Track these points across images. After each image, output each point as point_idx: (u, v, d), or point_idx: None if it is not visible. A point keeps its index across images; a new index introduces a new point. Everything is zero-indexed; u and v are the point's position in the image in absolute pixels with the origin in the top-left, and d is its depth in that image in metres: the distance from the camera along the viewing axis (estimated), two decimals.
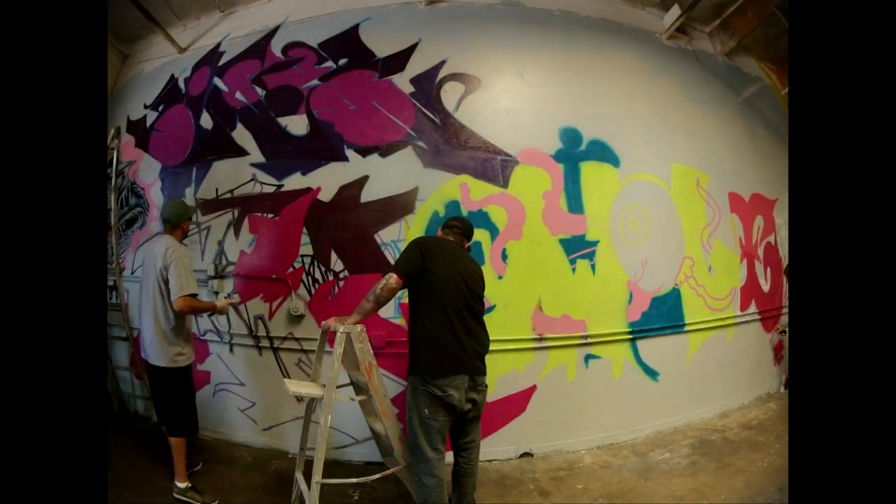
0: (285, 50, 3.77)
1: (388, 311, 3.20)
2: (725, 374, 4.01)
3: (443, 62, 3.54)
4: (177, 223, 2.77)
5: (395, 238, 3.28)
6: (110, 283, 3.89)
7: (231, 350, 3.47)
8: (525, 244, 3.35)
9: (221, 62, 3.96)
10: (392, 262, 3.24)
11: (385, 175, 3.36)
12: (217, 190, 3.64)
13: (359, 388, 2.50)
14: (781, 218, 4.74)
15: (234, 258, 3.50)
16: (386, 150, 3.39)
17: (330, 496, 2.73)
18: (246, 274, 3.45)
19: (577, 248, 3.44)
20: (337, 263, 3.31)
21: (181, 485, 2.66)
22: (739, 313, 4.19)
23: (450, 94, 3.49)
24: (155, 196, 3.92)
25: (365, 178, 3.36)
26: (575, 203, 3.49)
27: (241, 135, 3.67)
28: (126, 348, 3.86)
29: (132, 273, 3.86)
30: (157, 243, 2.74)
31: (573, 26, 3.88)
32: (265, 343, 3.37)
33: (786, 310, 4.62)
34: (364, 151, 3.41)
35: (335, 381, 2.21)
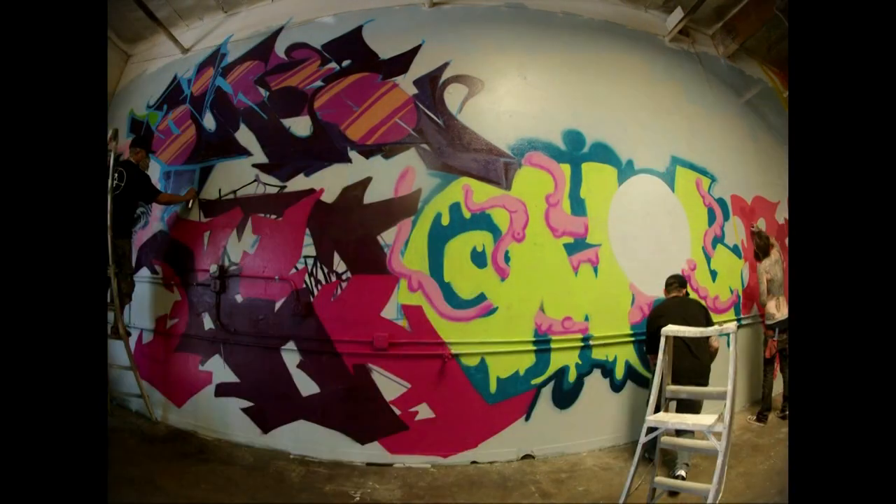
0: (289, 51, 3.78)
1: (391, 313, 3.20)
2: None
3: (446, 64, 3.54)
4: None
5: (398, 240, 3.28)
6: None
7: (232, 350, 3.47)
8: (528, 246, 3.34)
9: (225, 63, 3.97)
10: (391, 262, 3.24)
11: (388, 177, 3.35)
12: (220, 190, 3.65)
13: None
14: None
15: (237, 259, 3.49)
16: (389, 152, 3.39)
17: (331, 496, 2.74)
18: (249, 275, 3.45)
19: (580, 250, 3.44)
20: (340, 264, 3.31)
21: None
22: (741, 316, 4.18)
23: (453, 96, 3.49)
24: None
25: (368, 180, 3.36)
26: (577, 205, 3.49)
27: (245, 136, 3.68)
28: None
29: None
30: None
31: (576, 28, 3.88)
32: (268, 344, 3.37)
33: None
34: (367, 153, 3.41)
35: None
